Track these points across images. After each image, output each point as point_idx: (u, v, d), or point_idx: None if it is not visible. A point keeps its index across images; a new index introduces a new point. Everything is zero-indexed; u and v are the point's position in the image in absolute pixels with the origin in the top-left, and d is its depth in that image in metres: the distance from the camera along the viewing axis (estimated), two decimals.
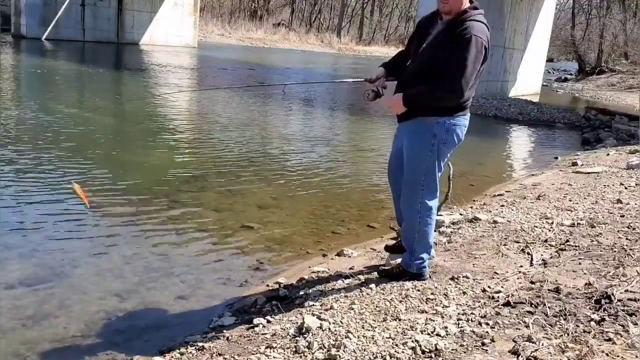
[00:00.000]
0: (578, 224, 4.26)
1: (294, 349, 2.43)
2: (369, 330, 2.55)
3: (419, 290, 3.00)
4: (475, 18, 2.82)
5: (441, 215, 4.51)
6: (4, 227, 4.12)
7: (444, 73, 2.80)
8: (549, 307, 2.65)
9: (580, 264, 3.34)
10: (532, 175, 7.22)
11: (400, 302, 2.86)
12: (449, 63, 2.78)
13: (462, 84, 2.78)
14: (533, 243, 3.81)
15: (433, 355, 2.29)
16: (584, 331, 2.41)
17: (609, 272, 3.13)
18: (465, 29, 2.76)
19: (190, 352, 2.58)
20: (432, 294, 2.95)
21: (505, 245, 3.80)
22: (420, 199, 3.02)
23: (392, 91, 3.04)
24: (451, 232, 4.20)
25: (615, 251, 3.54)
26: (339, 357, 2.31)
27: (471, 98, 2.98)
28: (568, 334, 2.38)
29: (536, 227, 4.23)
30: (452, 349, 2.33)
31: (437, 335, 2.46)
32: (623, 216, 4.46)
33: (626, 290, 2.79)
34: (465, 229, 4.24)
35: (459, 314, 2.68)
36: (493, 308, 2.72)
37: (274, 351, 2.44)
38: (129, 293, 3.31)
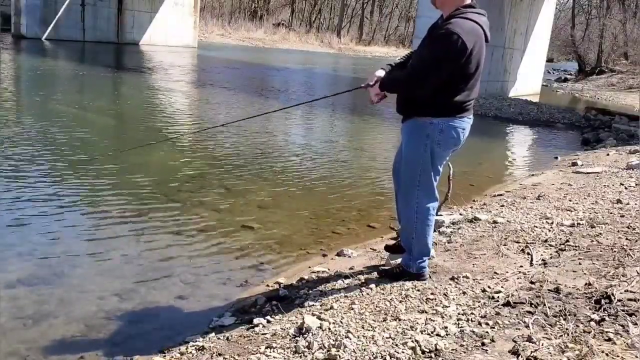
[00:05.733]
0: (578, 224, 4.26)
1: (294, 349, 2.43)
2: (369, 330, 2.55)
3: (419, 290, 3.00)
4: (465, 16, 2.79)
5: (441, 215, 4.51)
6: (4, 226, 4.12)
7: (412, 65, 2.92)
8: (549, 307, 2.65)
9: (580, 264, 3.34)
10: (532, 175, 7.21)
11: (400, 302, 2.86)
12: (419, 57, 2.90)
13: (421, 76, 2.79)
14: (533, 243, 3.81)
15: (433, 355, 2.29)
16: (584, 331, 2.41)
17: (609, 272, 3.13)
18: (444, 25, 2.78)
19: (190, 352, 2.58)
20: (432, 294, 2.95)
21: (505, 245, 3.80)
22: (416, 199, 3.01)
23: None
24: (451, 232, 4.20)
25: (615, 251, 3.54)
26: (339, 357, 2.31)
27: (470, 100, 2.94)
28: (568, 334, 2.38)
29: (536, 227, 4.23)
30: (452, 349, 2.33)
31: (437, 335, 2.46)
32: (623, 216, 4.47)
33: (626, 290, 2.79)
34: (465, 229, 4.24)
35: (459, 314, 2.68)
36: (493, 308, 2.72)
37: (274, 351, 2.44)
38: (129, 293, 3.31)
